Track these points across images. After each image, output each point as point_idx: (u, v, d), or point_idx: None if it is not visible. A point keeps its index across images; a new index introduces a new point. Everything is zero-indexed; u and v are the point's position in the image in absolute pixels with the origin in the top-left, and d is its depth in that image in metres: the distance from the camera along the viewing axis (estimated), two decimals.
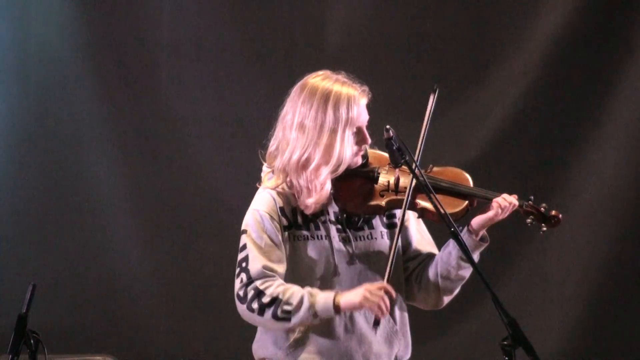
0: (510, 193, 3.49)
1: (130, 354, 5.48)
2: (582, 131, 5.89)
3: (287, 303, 3.36)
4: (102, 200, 5.66)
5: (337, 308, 3.35)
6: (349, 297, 3.37)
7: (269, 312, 3.37)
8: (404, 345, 3.54)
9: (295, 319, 3.36)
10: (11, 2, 5.60)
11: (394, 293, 3.39)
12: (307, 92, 3.46)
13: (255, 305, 3.38)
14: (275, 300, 3.37)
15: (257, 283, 3.39)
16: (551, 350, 5.81)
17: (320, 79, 3.49)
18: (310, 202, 3.45)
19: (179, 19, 5.72)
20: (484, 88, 5.88)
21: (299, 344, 3.46)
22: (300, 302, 3.36)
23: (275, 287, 3.38)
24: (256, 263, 3.40)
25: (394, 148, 3.38)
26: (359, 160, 3.51)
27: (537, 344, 3.15)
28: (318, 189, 3.44)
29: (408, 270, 3.58)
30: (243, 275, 3.41)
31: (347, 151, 3.45)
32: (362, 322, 3.47)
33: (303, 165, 3.44)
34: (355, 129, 3.46)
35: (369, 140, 3.49)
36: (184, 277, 5.71)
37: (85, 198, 5.66)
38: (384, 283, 3.38)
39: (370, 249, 3.51)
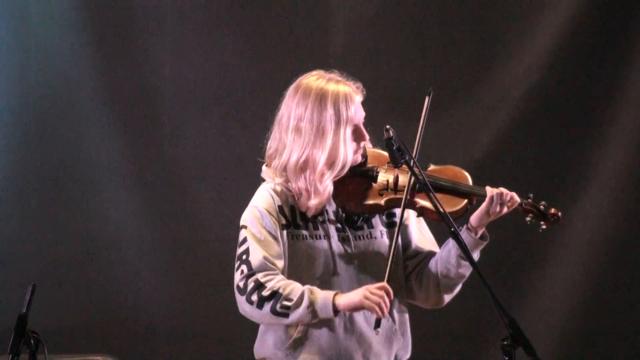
0: (511, 191, 3.48)
1: (130, 354, 5.48)
2: (585, 131, 5.89)
3: (287, 299, 3.35)
4: (102, 201, 5.66)
5: (335, 309, 3.34)
6: (349, 297, 3.35)
7: (267, 306, 3.35)
8: (404, 345, 3.54)
9: (293, 316, 3.35)
10: (11, 2, 5.60)
11: (392, 294, 3.38)
12: (301, 93, 3.47)
13: (254, 298, 3.36)
14: (275, 294, 3.35)
15: (259, 275, 3.37)
16: (551, 350, 5.81)
17: (314, 79, 3.49)
18: (312, 204, 3.44)
19: (182, 18, 5.71)
20: (487, 88, 5.87)
21: (298, 344, 3.45)
22: (300, 299, 3.34)
23: (276, 281, 3.36)
24: (257, 254, 3.39)
25: (394, 148, 3.37)
26: (358, 158, 3.51)
27: (537, 344, 3.15)
28: (320, 191, 3.44)
29: (408, 269, 3.57)
30: (244, 267, 3.40)
31: (349, 151, 3.45)
32: (362, 321, 3.46)
33: (302, 167, 3.44)
34: (353, 127, 3.46)
35: (367, 137, 3.50)
36: (184, 277, 5.71)
37: (86, 198, 5.65)
38: (384, 283, 3.37)
39: (369, 248, 3.51)
